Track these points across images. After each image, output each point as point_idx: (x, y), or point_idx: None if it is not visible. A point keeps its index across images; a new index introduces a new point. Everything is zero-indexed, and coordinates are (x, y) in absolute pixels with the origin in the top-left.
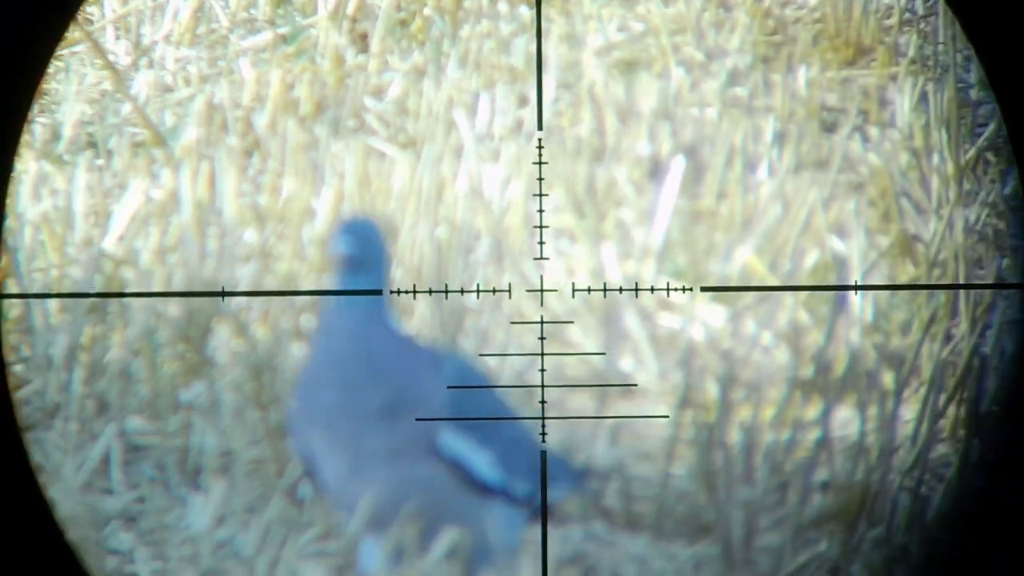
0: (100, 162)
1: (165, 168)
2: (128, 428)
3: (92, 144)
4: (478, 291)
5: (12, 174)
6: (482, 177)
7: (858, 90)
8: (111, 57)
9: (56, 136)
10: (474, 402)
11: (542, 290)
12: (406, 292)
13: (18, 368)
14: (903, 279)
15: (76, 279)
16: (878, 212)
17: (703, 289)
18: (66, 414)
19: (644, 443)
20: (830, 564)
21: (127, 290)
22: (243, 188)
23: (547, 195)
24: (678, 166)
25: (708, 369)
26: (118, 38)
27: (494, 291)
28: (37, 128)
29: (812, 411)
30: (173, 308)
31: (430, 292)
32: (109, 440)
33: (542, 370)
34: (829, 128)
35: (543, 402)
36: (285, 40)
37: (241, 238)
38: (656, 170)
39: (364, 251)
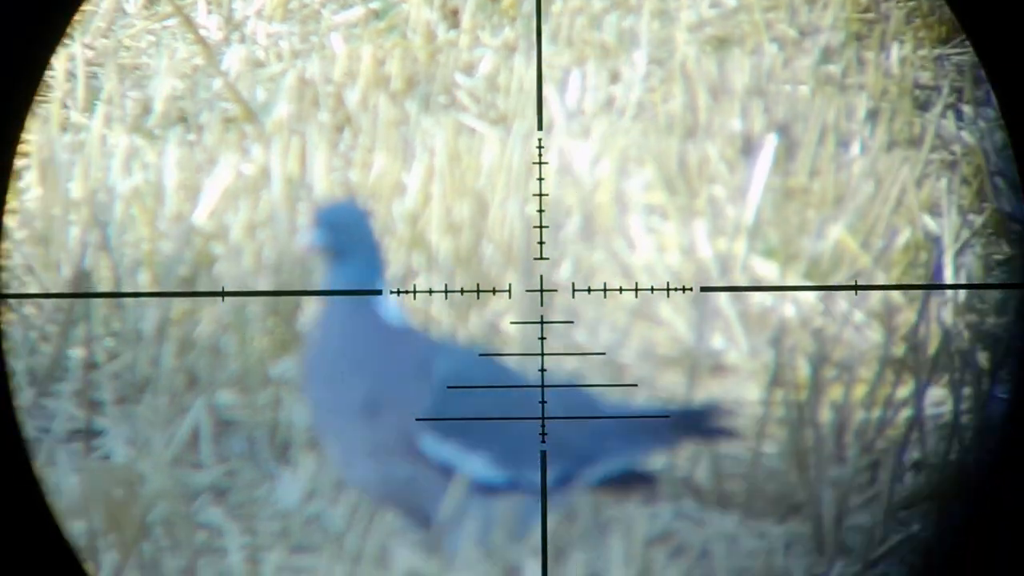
0: (191, 137)
1: (256, 143)
2: (218, 402)
3: (183, 119)
4: (478, 291)
5: (12, 176)
6: (572, 154)
7: (952, 68)
8: (202, 32)
9: (147, 110)
10: (468, 400)
11: (542, 290)
12: (405, 292)
13: (108, 342)
14: (998, 258)
15: (167, 253)
16: (971, 191)
17: (703, 289)
18: (156, 388)
19: (735, 421)
20: (923, 545)
21: (216, 264)
22: (333, 164)
23: (546, 194)
24: (770, 143)
25: (799, 347)
26: (210, 12)
27: (494, 291)
28: (128, 102)
29: (904, 390)
30: (262, 283)
31: (430, 292)
32: (199, 414)
33: (542, 370)
34: (922, 106)
35: (543, 402)
36: (377, 15)
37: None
38: (748, 147)
39: (346, 240)
